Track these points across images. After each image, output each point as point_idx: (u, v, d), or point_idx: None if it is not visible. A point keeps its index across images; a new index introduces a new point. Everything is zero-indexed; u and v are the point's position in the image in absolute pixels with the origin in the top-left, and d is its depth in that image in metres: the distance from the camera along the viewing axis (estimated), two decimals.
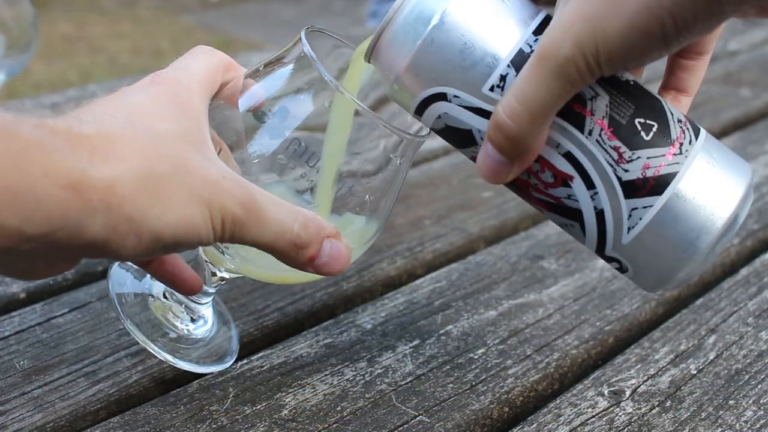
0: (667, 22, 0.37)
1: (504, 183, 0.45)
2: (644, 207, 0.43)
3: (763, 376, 0.54)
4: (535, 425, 0.49)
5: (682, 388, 0.53)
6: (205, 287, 0.53)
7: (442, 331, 0.58)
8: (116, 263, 0.54)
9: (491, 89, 0.43)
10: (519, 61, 0.42)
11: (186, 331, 0.54)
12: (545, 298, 0.63)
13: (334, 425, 0.49)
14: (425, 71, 0.43)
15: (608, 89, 0.43)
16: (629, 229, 0.43)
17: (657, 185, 0.42)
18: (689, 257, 0.43)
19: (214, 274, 0.53)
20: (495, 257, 0.68)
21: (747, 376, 0.54)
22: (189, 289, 0.52)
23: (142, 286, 0.54)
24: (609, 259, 0.46)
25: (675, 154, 0.43)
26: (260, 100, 0.47)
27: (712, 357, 0.56)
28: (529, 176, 0.44)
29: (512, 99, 0.41)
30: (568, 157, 0.43)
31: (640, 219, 0.43)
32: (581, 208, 0.44)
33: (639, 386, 0.53)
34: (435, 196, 0.80)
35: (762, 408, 0.51)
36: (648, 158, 0.42)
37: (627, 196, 0.43)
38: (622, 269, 0.46)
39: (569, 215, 0.45)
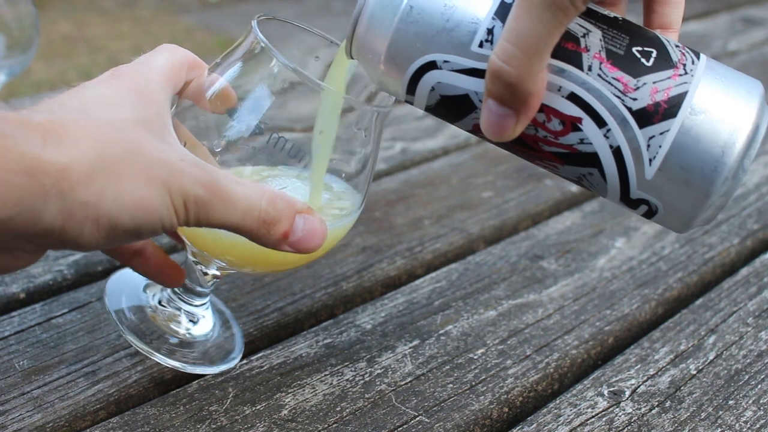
0: None
1: (512, 139, 0.42)
2: (661, 133, 0.41)
3: (762, 376, 0.54)
4: (534, 425, 0.49)
5: (682, 388, 0.53)
6: (199, 288, 0.53)
7: (441, 331, 0.58)
8: (110, 279, 0.54)
9: (480, 45, 0.41)
10: (503, 11, 0.41)
11: (188, 335, 0.54)
12: (545, 298, 0.63)
13: (334, 425, 0.49)
14: (409, 43, 0.42)
15: (598, 25, 0.42)
16: (650, 161, 0.41)
17: (669, 108, 0.41)
18: (718, 176, 0.41)
19: (205, 274, 0.53)
20: (495, 257, 0.68)
21: (747, 376, 0.54)
22: (174, 280, 0.52)
23: (138, 299, 0.54)
24: (636, 204, 0.43)
25: (681, 75, 0.41)
26: (225, 92, 0.47)
27: (711, 357, 0.56)
28: (537, 129, 0.42)
29: (505, 43, 0.39)
30: (573, 98, 0.41)
31: (660, 147, 0.41)
32: (596, 150, 0.42)
33: (639, 386, 0.53)
34: (435, 196, 0.80)
35: (762, 408, 0.51)
36: (654, 83, 0.41)
37: (641, 125, 0.41)
38: (651, 211, 0.43)
39: (586, 162, 0.43)
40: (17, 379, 0.53)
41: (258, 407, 0.50)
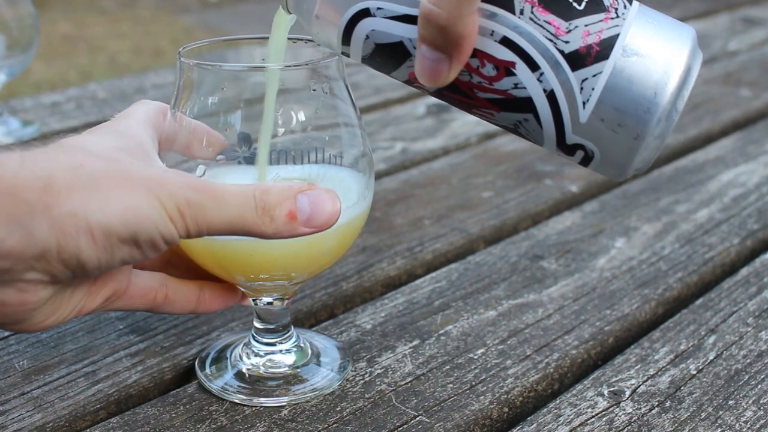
0: None
1: (446, 86, 0.42)
2: (594, 75, 0.41)
3: (762, 376, 0.54)
4: (534, 425, 0.49)
5: (682, 388, 0.53)
6: (264, 324, 0.53)
7: (441, 331, 0.58)
8: (198, 376, 0.53)
9: None
10: None
11: (290, 368, 0.53)
12: (545, 298, 0.63)
13: (334, 425, 0.49)
14: None
15: None
16: (584, 103, 0.41)
17: (601, 50, 0.41)
18: (651, 117, 0.41)
19: (256, 303, 0.52)
20: (495, 257, 0.68)
21: (747, 376, 0.54)
22: (221, 302, 0.51)
23: (230, 365, 0.53)
24: (572, 150, 0.43)
25: (612, 18, 0.41)
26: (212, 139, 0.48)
27: (711, 357, 0.56)
28: (471, 75, 0.42)
29: None
30: (506, 42, 0.41)
31: (593, 89, 0.41)
32: (530, 95, 0.42)
33: (639, 386, 0.53)
34: (435, 196, 0.80)
35: (762, 408, 0.51)
36: (586, 26, 0.41)
37: (574, 68, 0.41)
38: (587, 157, 0.43)
39: (521, 108, 0.43)
40: (17, 379, 0.53)
41: (258, 407, 0.50)
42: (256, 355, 0.53)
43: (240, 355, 0.54)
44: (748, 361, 0.55)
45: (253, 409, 0.50)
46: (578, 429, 0.49)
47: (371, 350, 0.56)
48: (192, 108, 0.48)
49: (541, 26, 0.41)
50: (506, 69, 0.42)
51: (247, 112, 0.47)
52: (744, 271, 0.67)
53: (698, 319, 0.60)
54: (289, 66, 0.47)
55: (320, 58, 0.48)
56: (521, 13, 0.41)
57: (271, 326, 0.53)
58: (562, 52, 0.41)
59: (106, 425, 0.49)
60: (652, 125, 0.41)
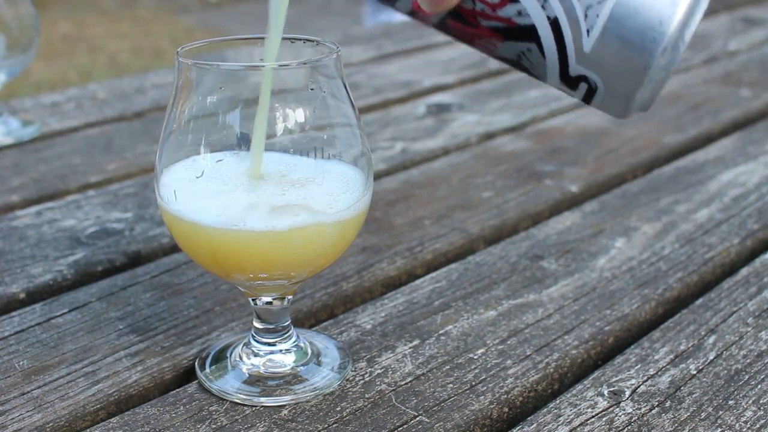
0: None
1: (450, 12, 0.41)
2: (599, 2, 0.40)
3: (762, 376, 0.54)
4: (534, 425, 0.49)
5: (682, 388, 0.53)
6: (264, 324, 0.53)
7: (441, 331, 0.58)
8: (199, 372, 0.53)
9: None
10: None
11: (290, 368, 0.53)
12: (545, 298, 0.63)
13: (334, 425, 0.49)
14: None
15: None
16: (588, 31, 0.41)
17: None
18: (657, 46, 0.41)
19: (256, 303, 0.52)
20: (495, 257, 0.68)
21: (747, 376, 0.54)
22: None
23: (230, 367, 0.53)
24: (576, 82, 0.42)
25: None
26: None
27: (711, 357, 0.56)
28: (474, 2, 0.42)
29: None
30: None
31: (598, 17, 0.41)
32: (534, 22, 0.41)
33: (639, 386, 0.53)
34: (435, 196, 0.80)
35: (762, 408, 0.51)
36: None
37: None
38: (591, 90, 0.43)
39: (524, 36, 0.42)
40: (17, 379, 0.53)
41: (258, 407, 0.50)
42: (256, 355, 0.53)
43: (240, 355, 0.54)
44: (748, 361, 0.55)
45: (253, 409, 0.50)
46: (578, 429, 0.49)
47: (371, 350, 0.56)
48: (191, 108, 0.48)
49: None
50: None
51: (246, 112, 0.47)
52: (744, 271, 0.67)
53: (698, 319, 0.60)
54: (287, 65, 0.47)
55: (318, 57, 0.48)
56: None
57: (271, 326, 0.53)
58: None
59: (106, 425, 0.49)
60: (657, 55, 0.40)
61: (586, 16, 0.41)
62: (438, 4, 0.41)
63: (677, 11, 0.40)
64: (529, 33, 0.42)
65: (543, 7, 0.41)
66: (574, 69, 0.42)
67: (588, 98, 0.43)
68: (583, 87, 0.43)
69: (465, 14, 0.42)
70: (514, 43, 0.42)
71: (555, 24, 0.41)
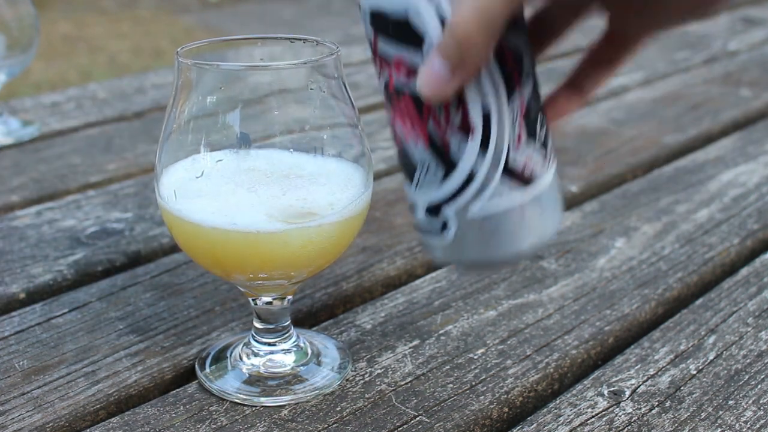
0: None
1: (442, 99, 0.43)
2: (508, 193, 0.44)
3: (762, 376, 0.54)
4: (534, 425, 0.49)
5: (682, 388, 0.53)
6: (264, 324, 0.53)
7: (441, 331, 0.58)
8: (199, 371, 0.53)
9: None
10: None
11: (290, 368, 0.53)
12: (545, 298, 0.63)
13: (334, 425, 0.49)
14: None
15: (536, 77, 0.45)
16: (485, 203, 0.45)
17: (524, 181, 0.45)
18: (514, 252, 0.46)
19: (256, 303, 0.52)
20: None
21: (747, 376, 0.54)
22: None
23: (231, 367, 0.53)
24: (436, 213, 0.46)
25: (544, 167, 0.46)
26: None
27: (711, 357, 0.56)
28: (441, 107, 0.44)
29: (462, 6, 0.41)
30: (486, 116, 0.44)
31: (499, 201, 0.45)
32: (460, 162, 0.44)
33: (639, 386, 0.53)
34: None
35: (762, 408, 0.51)
36: (531, 158, 0.45)
37: (504, 176, 0.44)
38: (443, 228, 0.46)
39: (445, 161, 0.45)
40: (17, 379, 0.53)
41: (258, 407, 0.50)
42: (256, 355, 0.53)
43: (240, 355, 0.54)
44: (748, 361, 0.55)
45: (253, 409, 0.50)
46: (578, 429, 0.49)
47: (371, 350, 0.56)
48: (191, 108, 0.48)
49: (514, 130, 0.44)
50: (466, 130, 0.44)
51: (246, 112, 0.47)
52: (744, 271, 0.67)
53: (698, 319, 0.60)
54: (288, 65, 0.47)
55: (319, 57, 0.48)
56: (511, 107, 0.44)
57: (271, 326, 0.53)
58: (506, 159, 0.44)
59: (106, 425, 0.49)
60: (506, 258, 0.46)
61: (493, 193, 0.45)
62: (436, 90, 0.43)
63: (546, 236, 0.46)
64: (450, 164, 0.45)
65: (476, 160, 0.44)
66: (451, 210, 0.45)
67: (433, 232, 0.47)
68: (435, 221, 0.46)
69: (423, 108, 0.44)
70: (430, 156, 0.45)
71: (471, 176, 0.45)
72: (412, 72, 0.44)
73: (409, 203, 0.48)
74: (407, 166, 0.47)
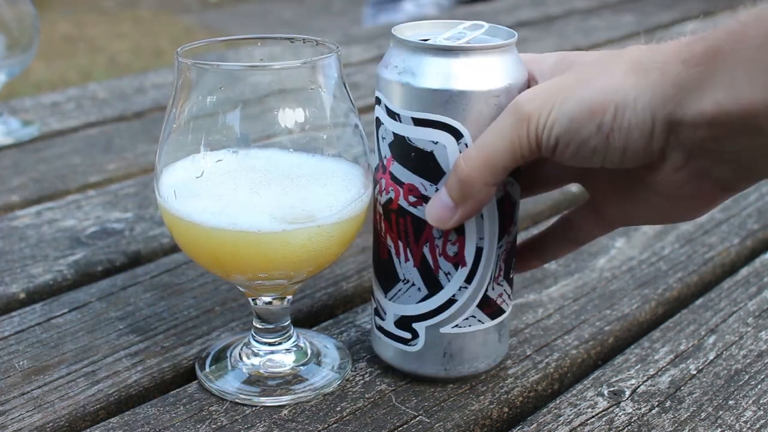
0: (609, 112, 0.40)
1: (445, 228, 0.47)
2: (478, 320, 0.50)
3: (762, 376, 0.54)
4: (534, 425, 0.49)
5: (682, 388, 0.53)
6: (264, 324, 0.53)
7: None
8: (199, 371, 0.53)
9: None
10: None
11: (290, 368, 0.53)
12: (545, 298, 0.63)
13: (334, 425, 0.49)
14: None
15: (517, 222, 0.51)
16: (458, 325, 0.50)
17: (493, 313, 0.51)
18: (471, 371, 0.52)
19: (256, 303, 0.52)
20: None
21: (747, 376, 0.54)
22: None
23: (230, 367, 0.53)
24: (407, 326, 0.50)
25: (509, 301, 0.52)
26: None
27: (711, 357, 0.56)
28: (441, 236, 0.48)
29: (473, 146, 0.45)
30: (478, 252, 0.48)
31: (470, 326, 0.50)
32: (445, 287, 0.49)
33: (639, 386, 0.53)
34: None
35: (762, 408, 0.51)
36: (502, 293, 0.51)
37: (479, 306, 0.50)
38: (409, 341, 0.51)
39: (430, 283, 0.49)
40: (17, 379, 0.53)
41: (258, 407, 0.50)
42: (256, 355, 0.53)
43: (240, 355, 0.54)
44: (748, 361, 0.55)
45: (253, 409, 0.50)
46: (578, 429, 0.49)
47: (371, 350, 0.56)
48: (191, 108, 0.48)
49: (496, 266, 0.49)
50: (458, 261, 0.48)
51: (246, 112, 0.47)
52: (744, 271, 0.67)
53: (698, 319, 0.60)
54: (288, 65, 0.47)
55: (318, 57, 0.48)
56: (499, 242, 0.49)
57: (271, 326, 0.53)
58: (486, 291, 0.49)
59: (106, 425, 0.49)
60: (454, 374, 0.52)
61: (467, 318, 0.50)
62: (440, 220, 0.46)
63: (490, 365, 0.53)
64: (436, 286, 0.49)
65: (459, 288, 0.49)
66: (421, 326, 0.50)
67: (402, 343, 0.51)
68: (406, 334, 0.51)
69: (427, 234, 0.48)
70: (421, 277, 0.49)
71: (450, 301, 0.49)
72: (421, 200, 0.48)
73: (375, 307, 0.52)
74: (386, 277, 0.50)
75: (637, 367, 0.54)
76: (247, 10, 4.86)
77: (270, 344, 0.53)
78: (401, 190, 0.48)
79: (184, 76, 0.48)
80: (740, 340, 0.57)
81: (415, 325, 0.50)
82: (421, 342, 0.50)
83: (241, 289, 0.52)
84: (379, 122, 0.48)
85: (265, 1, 5.04)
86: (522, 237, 0.72)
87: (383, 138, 0.48)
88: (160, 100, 1.08)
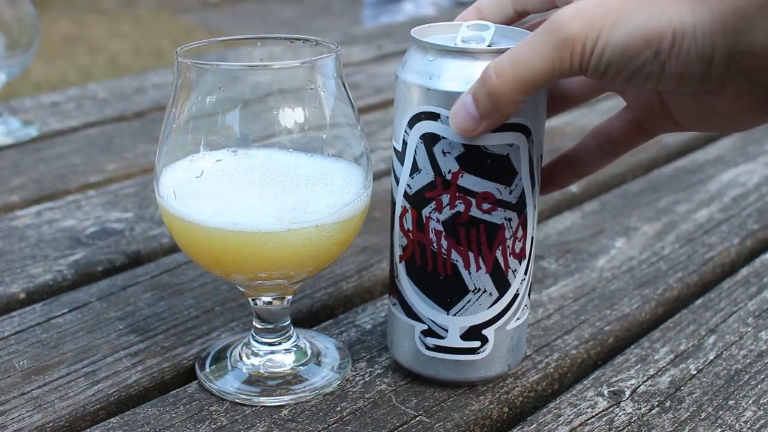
0: (667, 39, 0.38)
1: (471, 136, 0.45)
2: (527, 305, 0.51)
3: (762, 376, 0.54)
4: (534, 425, 0.49)
5: (682, 388, 0.53)
6: (264, 324, 0.53)
7: None
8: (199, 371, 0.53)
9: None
10: None
11: (290, 368, 0.53)
12: (545, 298, 0.63)
13: (334, 425, 0.49)
14: None
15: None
16: (518, 317, 0.51)
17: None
18: (519, 359, 0.53)
19: (255, 303, 0.52)
20: None
21: (747, 376, 0.54)
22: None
23: (231, 367, 0.53)
24: (476, 336, 0.50)
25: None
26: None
27: (711, 357, 0.56)
28: (511, 236, 0.48)
29: (506, 59, 0.42)
30: (532, 240, 0.49)
31: (525, 314, 0.52)
32: (512, 284, 0.49)
33: (639, 386, 0.53)
34: None
35: (762, 408, 0.51)
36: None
37: (528, 293, 0.51)
38: (478, 350, 0.50)
39: (500, 285, 0.49)
40: (17, 379, 0.53)
41: (258, 407, 0.50)
42: (256, 355, 0.53)
43: (240, 355, 0.54)
44: (748, 361, 0.55)
45: (253, 409, 0.50)
46: (578, 429, 0.49)
47: (371, 350, 0.56)
48: (190, 108, 0.48)
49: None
50: (521, 254, 0.49)
51: (246, 112, 0.47)
52: (744, 271, 0.67)
53: (698, 319, 0.60)
54: (288, 65, 0.47)
55: (318, 57, 0.48)
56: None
57: (271, 326, 0.53)
58: (530, 279, 0.50)
59: (106, 425, 0.49)
60: (509, 370, 0.53)
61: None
62: (463, 130, 0.44)
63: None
64: (505, 285, 0.49)
65: (523, 277, 0.50)
66: (486, 332, 0.50)
67: (475, 351, 0.51)
68: (475, 343, 0.50)
69: (496, 237, 0.48)
70: (490, 279, 0.48)
71: (515, 296, 0.50)
72: (496, 204, 0.47)
73: (424, 330, 0.50)
74: (450, 293, 0.49)
75: (637, 367, 0.54)
76: (247, 10, 4.86)
77: (270, 344, 0.53)
78: (473, 201, 0.46)
79: (183, 76, 0.48)
80: (740, 340, 0.57)
81: (484, 332, 0.50)
82: (489, 346, 0.50)
83: (241, 289, 0.52)
84: (434, 139, 0.46)
85: (265, 1, 5.04)
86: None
87: (445, 153, 0.46)
88: (160, 100, 1.08)
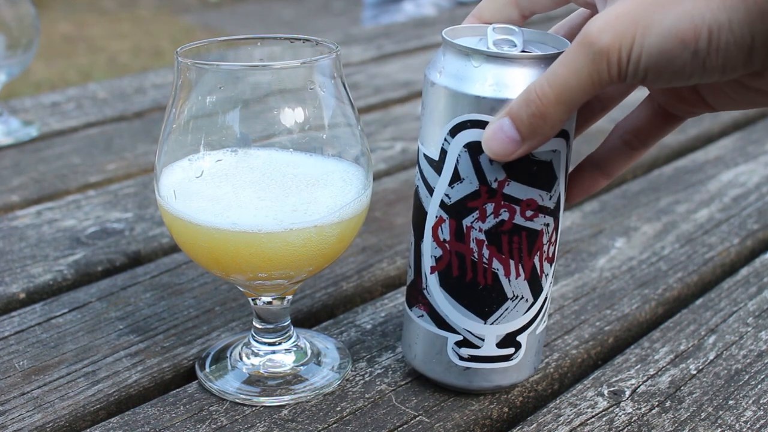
0: (703, 37, 0.38)
1: (509, 161, 0.44)
2: (548, 310, 0.51)
3: (762, 376, 0.54)
4: (534, 425, 0.49)
5: (682, 388, 0.53)
6: (264, 324, 0.53)
7: None
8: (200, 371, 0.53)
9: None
10: None
11: (290, 368, 0.53)
12: None
13: (334, 425, 0.49)
14: None
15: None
16: (544, 320, 0.51)
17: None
18: (540, 362, 0.53)
19: (256, 303, 0.52)
20: None
21: (747, 376, 0.54)
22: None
23: (230, 368, 0.53)
24: (511, 343, 0.49)
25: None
26: None
27: (711, 357, 0.56)
28: (547, 240, 0.47)
29: (544, 80, 0.41)
30: (558, 244, 0.49)
31: (548, 316, 0.53)
32: (544, 288, 0.49)
33: (639, 386, 0.53)
34: None
35: (762, 408, 0.51)
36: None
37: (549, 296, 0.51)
38: (512, 356, 0.50)
39: (536, 290, 0.48)
40: (17, 379, 0.53)
41: (258, 407, 0.50)
42: (256, 355, 0.53)
43: (240, 355, 0.54)
44: (748, 361, 0.55)
45: (253, 409, 0.50)
46: (578, 429, 0.49)
47: (371, 350, 0.56)
48: (190, 108, 0.48)
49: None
50: (553, 257, 0.49)
51: (246, 112, 0.47)
52: (744, 271, 0.67)
53: (698, 319, 0.60)
54: (287, 65, 0.47)
55: (318, 57, 0.48)
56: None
57: (271, 326, 0.53)
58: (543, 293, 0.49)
59: (106, 425, 0.49)
60: (533, 371, 0.52)
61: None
62: (505, 154, 0.43)
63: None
64: (539, 289, 0.49)
65: (551, 280, 0.50)
66: (519, 338, 0.49)
67: (509, 358, 0.50)
68: (510, 350, 0.50)
69: (536, 242, 0.47)
70: (528, 285, 0.48)
71: (545, 300, 0.50)
72: (538, 211, 0.46)
73: (458, 341, 0.49)
74: (488, 303, 0.48)
75: (637, 367, 0.54)
76: (247, 10, 4.86)
77: (270, 344, 0.53)
78: (518, 208, 0.46)
79: (183, 76, 0.48)
80: (740, 340, 0.57)
81: (519, 338, 0.49)
82: (522, 352, 0.50)
83: (241, 289, 0.52)
84: (480, 148, 0.44)
85: (265, 1, 5.04)
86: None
87: (492, 161, 0.45)
88: (160, 100, 1.08)
